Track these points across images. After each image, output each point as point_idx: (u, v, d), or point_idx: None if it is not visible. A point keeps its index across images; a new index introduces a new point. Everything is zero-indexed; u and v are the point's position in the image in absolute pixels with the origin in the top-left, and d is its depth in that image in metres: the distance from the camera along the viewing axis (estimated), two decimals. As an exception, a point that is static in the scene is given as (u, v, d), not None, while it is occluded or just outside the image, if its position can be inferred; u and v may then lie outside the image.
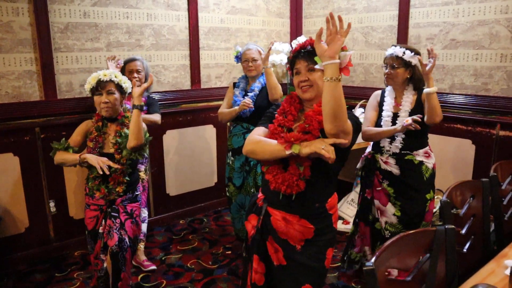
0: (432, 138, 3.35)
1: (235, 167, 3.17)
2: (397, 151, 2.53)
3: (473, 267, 1.71)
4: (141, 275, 2.99)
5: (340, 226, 3.73)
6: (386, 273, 1.33)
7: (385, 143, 2.58)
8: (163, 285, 2.88)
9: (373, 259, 1.27)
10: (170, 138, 3.81)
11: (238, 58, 3.21)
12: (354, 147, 3.53)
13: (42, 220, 3.22)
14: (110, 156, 2.26)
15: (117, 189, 2.27)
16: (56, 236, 3.30)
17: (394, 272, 1.35)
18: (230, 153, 3.24)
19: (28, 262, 3.14)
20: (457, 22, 3.25)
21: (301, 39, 4.09)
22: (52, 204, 3.25)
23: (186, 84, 3.87)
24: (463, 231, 1.88)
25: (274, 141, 1.63)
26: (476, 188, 1.98)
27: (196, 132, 3.97)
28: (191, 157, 3.99)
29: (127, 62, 3.07)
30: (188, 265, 3.14)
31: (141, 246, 3.18)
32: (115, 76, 2.25)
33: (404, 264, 1.40)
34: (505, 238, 2.12)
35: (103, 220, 2.33)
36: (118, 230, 2.30)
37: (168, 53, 3.70)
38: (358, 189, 3.96)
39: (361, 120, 3.69)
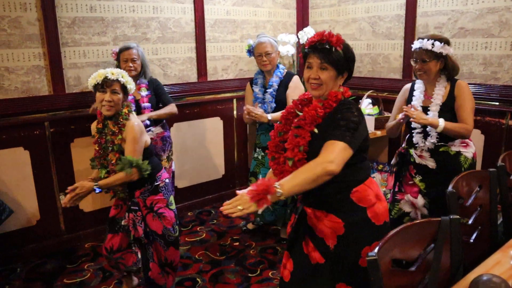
0: (440, 128, 3.33)
1: (265, 163, 3.18)
2: (433, 147, 2.42)
3: (480, 258, 1.69)
4: (150, 267, 3.03)
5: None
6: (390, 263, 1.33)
7: (418, 139, 2.47)
8: (172, 276, 2.91)
9: (376, 249, 1.27)
10: (177, 130, 3.83)
11: (251, 52, 3.17)
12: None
13: (53, 213, 3.27)
14: None
15: (117, 187, 2.30)
16: (67, 229, 3.35)
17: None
18: (260, 149, 3.24)
19: (40, 254, 3.20)
20: (465, 10, 3.20)
21: (308, 30, 4.07)
22: (62, 197, 3.28)
23: (192, 77, 3.88)
24: (470, 222, 1.88)
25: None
26: (483, 178, 1.96)
27: (203, 125, 3.98)
28: (198, 150, 4.01)
29: (122, 50, 3.04)
30: (196, 256, 3.17)
31: None
32: (122, 76, 2.24)
33: (408, 255, 1.40)
34: (514, 229, 2.10)
35: (126, 213, 2.39)
36: (140, 222, 2.35)
37: (174, 46, 3.71)
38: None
39: (369, 111, 3.69)
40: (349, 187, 1.67)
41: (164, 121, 3.26)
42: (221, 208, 1.47)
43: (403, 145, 2.62)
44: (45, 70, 3.10)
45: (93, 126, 2.39)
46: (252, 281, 2.83)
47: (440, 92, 2.39)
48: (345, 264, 1.67)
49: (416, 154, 2.49)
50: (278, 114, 2.89)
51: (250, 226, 3.60)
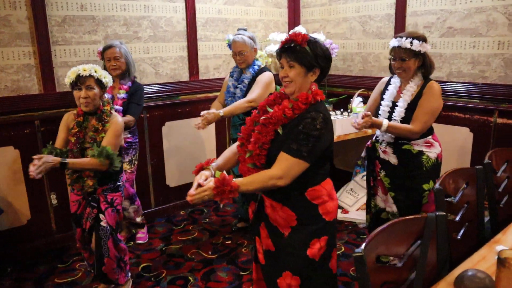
0: (430, 126, 3.36)
1: None
2: (391, 141, 2.48)
3: (467, 254, 1.72)
4: (142, 265, 3.03)
5: (339, 215, 3.75)
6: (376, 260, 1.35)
7: (379, 133, 2.52)
8: (164, 274, 2.92)
9: (363, 246, 1.29)
10: (169, 129, 3.83)
11: (230, 46, 3.18)
12: (352, 136, 3.53)
13: (44, 212, 3.26)
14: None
15: (87, 182, 2.33)
16: (58, 228, 3.34)
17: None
18: (232, 141, 3.28)
19: (31, 254, 3.19)
20: (454, 9, 3.23)
21: (299, 29, 4.09)
22: (53, 196, 3.28)
23: (184, 76, 3.88)
24: (457, 218, 1.90)
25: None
26: (470, 175, 1.99)
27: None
28: (190, 148, 4.01)
29: (105, 49, 3.02)
30: (188, 255, 3.18)
31: (138, 219, 3.39)
32: (95, 71, 2.26)
33: (394, 251, 1.42)
34: (500, 225, 2.13)
35: (85, 208, 2.43)
36: (92, 219, 2.41)
37: (166, 45, 3.70)
38: (357, 178, 3.99)
39: (360, 109, 3.71)
40: (306, 186, 1.76)
41: (135, 126, 3.20)
42: (188, 199, 1.61)
43: (372, 140, 2.66)
44: (35, 68, 3.08)
45: (68, 118, 2.39)
46: (243, 279, 2.84)
47: (411, 89, 2.41)
48: (293, 252, 1.77)
49: (380, 149, 2.55)
50: (229, 108, 2.91)
51: (240, 224, 3.62)
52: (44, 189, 3.22)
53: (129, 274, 2.73)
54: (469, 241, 1.96)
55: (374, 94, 2.67)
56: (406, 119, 2.40)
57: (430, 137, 2.48)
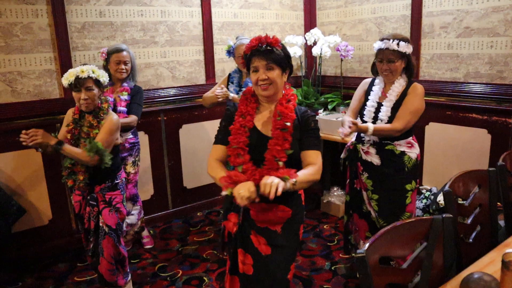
0: (447, 127, 3.34)
1: None
2: (377, 140, 2.49)
3: (479, 257, 1.70)
4: (158, 265, 3.09)
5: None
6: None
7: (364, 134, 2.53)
8: (179, 274, 2.97)
9: (365, 246, 1.29)
10: (186, 132, 3.89)
11: (230, 52, 3.18)
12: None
13: (65, 212, 3.36)
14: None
15: (78, 177, 2.33)
16: (78, 228, 3.42)
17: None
18: None
19: (52, 253, 3.29)
20: (471, 9, 3.18)
21: (315, 32, 4.09)
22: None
23: (201, 79, 3.94)
24: (469, 221, 1.88)
25: (221, 173, 1.75)
26: (481, 178, 1.96)
27: (212, 126, 4.03)
28: (207, 151, 4.03)
29: (113, 52, 3.01)
30: (204, 255, 3.23)
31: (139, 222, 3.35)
32: (93, 72, 2.27)
33: (398, 253, 1.42)
34: (516, 228, 2.09)
35: (85, 207, 2.46)
36: (94, 218, 2.43)
37: (182, 49, 3.77)
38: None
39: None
40: None
41: (134, 128, 3.20)
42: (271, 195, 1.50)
43: (352, 141, 2.66)
44: (56, 74, 3.19)
45: (69, 112, 2.42)
46: (257, 280, 2.86)
47: (396, 90, 2.44)
48: (289, 245, 1.86)
49: (362, 150, 2.55)
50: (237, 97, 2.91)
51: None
52: (65, 190, 3.32)
53: (129, 276, 2.68)
54: (481, 244, 1.93)
55: (357, 94, 2.67)
56: (392, 118, 2.43)
57: (410, 138, 2.51)
